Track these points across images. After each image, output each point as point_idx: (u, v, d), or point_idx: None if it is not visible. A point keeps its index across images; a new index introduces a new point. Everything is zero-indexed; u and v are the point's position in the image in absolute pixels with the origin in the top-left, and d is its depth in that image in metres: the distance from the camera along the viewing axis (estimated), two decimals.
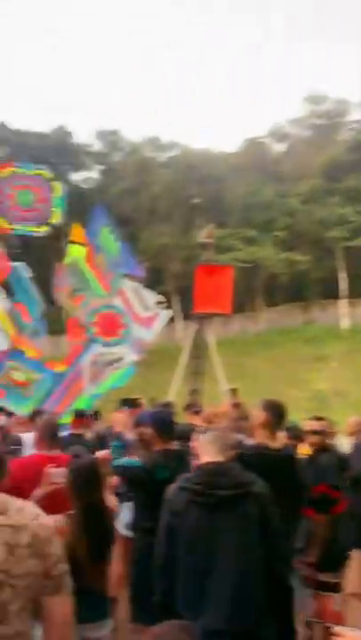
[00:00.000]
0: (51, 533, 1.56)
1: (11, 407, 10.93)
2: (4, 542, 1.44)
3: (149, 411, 6.15)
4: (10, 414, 10.05)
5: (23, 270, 12.13)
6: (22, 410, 10.89)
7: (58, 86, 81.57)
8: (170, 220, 39.02)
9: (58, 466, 3.46)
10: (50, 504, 3.17)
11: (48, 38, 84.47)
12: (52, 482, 3.35)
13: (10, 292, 12.45)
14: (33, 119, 75.73)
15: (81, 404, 10.58)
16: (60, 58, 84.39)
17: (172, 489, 2.62)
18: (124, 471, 3.77)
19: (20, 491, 3.29)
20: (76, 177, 44.39)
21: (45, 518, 1.59)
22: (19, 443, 5.10)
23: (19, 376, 11.30)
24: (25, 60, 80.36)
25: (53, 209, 12.12)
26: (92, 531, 2.91)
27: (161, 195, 39.50)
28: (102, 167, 44.63)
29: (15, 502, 1.55)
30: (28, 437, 5.03)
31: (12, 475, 3.53)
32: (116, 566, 3.31)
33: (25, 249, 35.74)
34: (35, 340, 12.09)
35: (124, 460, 4.22)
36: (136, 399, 5.20)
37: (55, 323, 26.14)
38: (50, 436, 3.68)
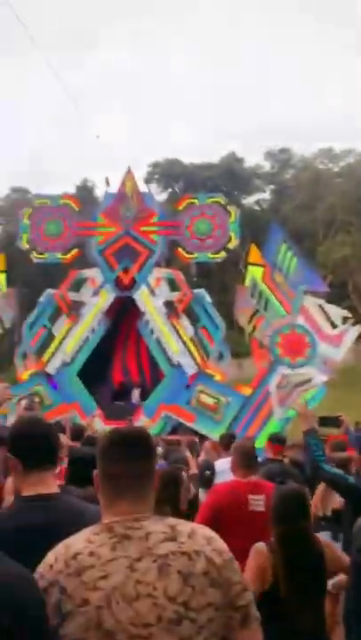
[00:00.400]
0: (227, 559, 1.40)
1: (202, 431, 11.25)
2: (177, 571, 1.32)
3: (355, 433, 5.71)
4: (203, 437, 10.32)
5: (204, 296, 12.58)
6: (213, 433, 11.13)
7: (224, 113, 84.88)
8: (349, 230, 37.36)
9: (258, 492, 3.37)
10: (249, 531, 3.08)
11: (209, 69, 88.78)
12: (252, 509, 3.26)
13: (193, 319, 13.00)
14: (203, 149, 79.73)
15: (272, 427, 10.42)
16: (224, 84, 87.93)
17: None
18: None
19: (220, 518, 3.25)
20: (249, 200, 45.28)
21: (219, 542, 1.43)
22: (212, 468, 5.13)
23: (208, 400, 11.62)
24: (190, 89, 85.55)
25: (230, 234, 12.40)
26: (297, 561, 2.71)
27: (338, 205, 38.13)
28: (273, 187, 44.88)
29: (185, 526, 1.43)
30: (222, 463, 5.03)
31: (211, 502, 3.54)
32: (329, 604, 3.03)
33: (205, 275, 37.23)
34: (220, 363, 12.36)
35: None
36: (338, 417, 4.80)
37: (238, 345, 26.59)
38: (247, 461, 3.62)
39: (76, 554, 1.34)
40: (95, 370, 13.00)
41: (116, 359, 14.49)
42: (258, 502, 3.38)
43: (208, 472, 4.89)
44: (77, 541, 1.37)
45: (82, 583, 1.30)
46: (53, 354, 12.16)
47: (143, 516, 1.41)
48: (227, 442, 5.62)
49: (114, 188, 12.78)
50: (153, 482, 1.50)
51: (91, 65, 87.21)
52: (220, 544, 1.40)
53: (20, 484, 1.84)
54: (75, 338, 12.14)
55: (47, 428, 1.92)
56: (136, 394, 13.13)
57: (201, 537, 1.39)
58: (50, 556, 1.38)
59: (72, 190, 38.74)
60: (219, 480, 4.76)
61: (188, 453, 5.01)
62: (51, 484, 1.83)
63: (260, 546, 2.75)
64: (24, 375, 12.23)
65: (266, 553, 2.71)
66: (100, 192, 40.44)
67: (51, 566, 1.35)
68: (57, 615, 1.30)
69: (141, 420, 11.60)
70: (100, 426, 11.35)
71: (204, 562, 1.34)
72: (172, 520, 1.42)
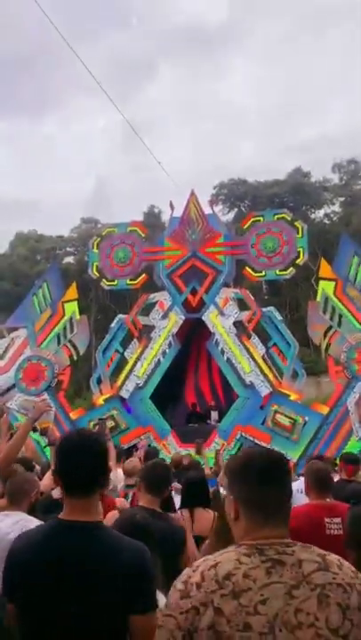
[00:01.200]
0: None
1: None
2: (336, 603, 1.30)
3: None
4: None
5: (274, 314, 12.44)
6: (290, 454, 10.87)
7: (286, 129, 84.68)
8: None
9: (334, 515, 3.28)
10: None
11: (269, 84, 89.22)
12: (330, 532, 3.17)
13: (264, 338, 12.87)
14: (268, 167, 79.70)
15: (352, 447, 10.04)
16: (284, 101, 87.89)
17: None
18: None
19: (298, 541, 3.19)
20: (318, 214, 44.59)
21: None
22: None
23: (284, 420, 11.40)
24: (250, 108, 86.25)
25: (298, 249, 12.25)
26: None
27: None
28: (343, 199, 43.92)
29: (332, 556, 1.41)
30: (295, 485, 4.91)
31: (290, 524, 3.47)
32: None
33: (276, 293, 36.81)
34: (295, 382, 12.12)
35: None
36: None
37: (313, 363, 25.94)
38: (321, 483, 3.54)
39: (229, 574, 1.33)
40: (168, 392, 13.15)
41: (189, 381, 14.59)
42: (335, 525, 3.29)
43: None
44: (225, 561, 1.36)
45: (241, 606, 1.29)
46: (126, 378, 12.44)
47: (291, 542, 1.41)
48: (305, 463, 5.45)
49: (178, 212, 13.05)
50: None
51: (151, 92, 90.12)
52: None
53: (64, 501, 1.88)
54: (146, 361, 12.36)
55: (88, 453, 1.83)
56: (213, 416, 13.12)
57: (348, 569, 1.38)
58: (193, 575, 1.37)
59: (140, 217, 39.85)
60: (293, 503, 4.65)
61: None
62: (90, 510, 1.81)
63: None
64: (99, 400, 12.57)
65: None
66: (166, 217, 41.56)
67: (198, 585, 1.34)
68: (212, 637, 1.29)
69: (216, 442, 11.56)
70: (174, 448, 11.46)
71: (357, 596, 1.33)
72: (318, 549, 1.42)
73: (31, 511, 3.25)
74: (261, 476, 1.46)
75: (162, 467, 3.49)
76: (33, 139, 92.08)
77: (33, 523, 2.81)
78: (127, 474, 5.42)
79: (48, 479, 4.41)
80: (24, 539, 1.88)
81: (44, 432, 7.39)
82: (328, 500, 3.52)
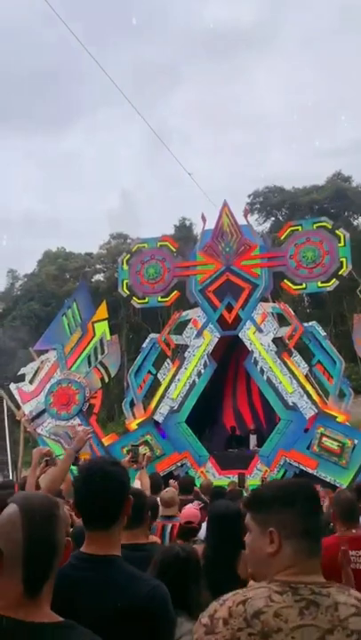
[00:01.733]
0: None
1: (327, 478, 10.74)
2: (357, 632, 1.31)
3: None
4: (328, 485, 9.83)
5: (317, 329, 12.22)
6: (340, 480, 10.57)
7: (323, 132, 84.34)
8: None
9: (357, 547, 3.24)
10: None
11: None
12: (355, 566, 3.13)
13: (307, 355, 12.64)
14: (306, 173, 79.35)
15: None
16: (318, 102, 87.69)
17: None
18: None
19: (324, 576, 3.08)
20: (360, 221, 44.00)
21: None
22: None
23: (331, 444, 11.10)
24: (282, 112, 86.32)
25: (341, 259, 12.04)
26: None
27: None
28: None
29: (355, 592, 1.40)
30: None
31: None
32: None
33: (319, 306, 36.34)
34: (341, 402, 11.83)
35: None
36: None
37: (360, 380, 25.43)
38: (348, 513, 3.55)
39: (259, 612, 1.31)
40: (205, 415, 13.03)
41: (227, 403, 14.43)
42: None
43: (332, 524, 4.65)
44: (256, 598, 1.34)
45: None
46: (160, 401, 12.39)
47: (328, 582, 1.40)
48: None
49: (211, 225, 13.05)
50: None
51: (176, 101, 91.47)
52: None
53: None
54: (181, 383, 12.29)
55: (105, 487, 1.84)
56: (253, 440, 12.91)
57: None
58: (220, 610, 1.35)
59: (171, 231, 40.16)
60: None
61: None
62: (110, 543, 1.84)
63: None
64: (133, 425, 12.55)
65: None
66: (198, 230, 41.74)
67: (225, 622, 1.32)
68: None
69: (258, 469, 11.35)
70: (214, 476, 11.29)
71: None
72: (355, 592, 1.41)
73: None
74: (306, 506, 1.46)
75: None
76: (57, 154, 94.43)
77: None
78: (165, 504, 5.33)
79: None
80: None
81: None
82: (354, 531, 3.49)
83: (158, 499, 5.51)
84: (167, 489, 6.19)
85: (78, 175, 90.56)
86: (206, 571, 2.62)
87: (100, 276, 45.41)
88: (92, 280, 42.42)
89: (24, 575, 1.33)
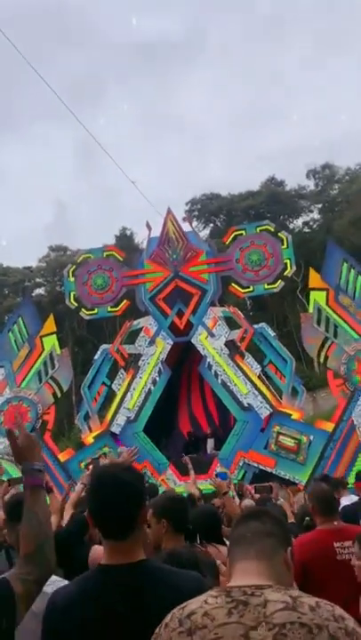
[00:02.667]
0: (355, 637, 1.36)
1: (286, 476, 10.99)
2: None
3: None
4: (288, 482, 10.08)
5: (266, 330, 12.53)
6: (299, 477, 10.85)
7: (254, 138, 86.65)
8: None
9: (344, 539, 3.27)
10: (340, 583, 3.02)
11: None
12: (341, 557, 3.17)
13: (258, 356, 12.92)
14: (240, 179, 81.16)
15: None
16: (246, 109, 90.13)
17: None
18: None
19: (307, 572, 3.16)
20: (297, 223, 45.37)
21: (350, 623, 1.37)
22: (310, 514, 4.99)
23: (287, 441, 11.39)
24: (212, 120, 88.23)
25: (285, 261, 12.42)
26: None
27: None
28: (321, 206, 44.83)
29: (310, 599, 1.37)
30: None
31: (296, 556, 3.44)
32: None
33: (261, 308, 37.11)
34: (295, 400, 12.16)
35: None
36: None
37: (308, 378, 26.09)
38: (327, 505, 3.53)
39: (191, 613, 1.38)
40: (161, 423, 13.05)
41: (182, 409, 14.51)
42: (346, 550, 3.28)
43: (307, 519, 4.77)
44: (194, 602, 1.41)
45: None
46: (116, 412, 12.32)
47: (267, 584, 1.41)
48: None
49: (156, 232, 13.15)
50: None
51: (109, 111, 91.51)
52: (351, 624, 1.34)
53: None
54: (136, 392, 12.28)
55: (121, 495, 1.76)
56: (210, 443, 13.04)
57: (327, 612, 1.35)
58: (168, 616, 1.43)
59: (111, 241, 40.03)
60: None
61: (282, 501, 4.91)
62: (134, 550, 1.76)
63: None
64: (89, 438, 12.41)
65: None
66: (139, 238, 41.82)
67: (166, 625, 1.40)
68: None
69: (217, 471, 11.47)
70: (174, 482, 11.33)
71: (327, 637, 1.29)
72: (296, 592, 1.40)
73: None
74: (248, 515, 1.56)
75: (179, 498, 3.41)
76: None
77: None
78: None
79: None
80: (62, 594, 1.79)
81: None
82: (336, 522, 3.49)
83: None
84: None
85: (11, 188, 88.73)
86: None
87: (40, 290, 44.62)
88: (33, 294, 41.59)
89: None
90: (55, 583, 2.45)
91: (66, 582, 2.65)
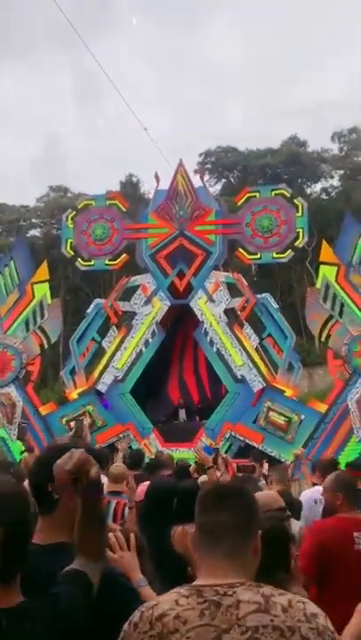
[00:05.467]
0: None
1: (272, 453, 11.20)
2: None
3: None
4: (273, 460, 10.27)
5: (269, 301, 12.52)
6: (285, 455, 11.05)
7: (280, 93, 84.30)
8: None
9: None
10: (356, 572, 3.14)
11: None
12: (358, 547, 3.26)
13: (258, 327, 12.96)
14: (260, 134, 79.44)
15: (352, 449, 10.25)
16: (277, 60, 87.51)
17: None
18: None
19: (323, 559, 3.26)
20: (315, 188, 44.68)
21: (321, 620, 1.42)
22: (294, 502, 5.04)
23: (278, 418, 11.56)
24: (239, 69, 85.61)
25: (297, 230, 12.31)
26: None
27: None
28: (343, 172, 44.06)
29: (282, 598, 1.42)
30: (306, 495, 5.01)
31: (313, 542, 3.55)
32: None
33: (266, 275, 36.98)
34: (290, 376, 12.28)
35: None
36: None
37: (306, 353, 26.22)
38: (354, 495, 3.60)
39: (162, 615, 1.40)
40: (150, 386, 13.20)
41: (173, 374, 14.64)
42: None
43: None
44: (165, 602, 1.43)
45: None
46: (104, 370, 12.44)
47: (240, 582, 1.44)
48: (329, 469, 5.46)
49: (164, 185, 12.97)
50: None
51: (123, 47, 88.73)
52: (323, 622, 1.40)
53: None
54: (127, 352, 12.37)
55: (33, 472, 1.94)
56: (182, 414, 13.23)
57: (299, 611, 1.40)
58: (136, 615, 1.45)
59: (115, 187, 39.48)
60: (307, 514, 4.75)
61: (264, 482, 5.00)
62: (42, 530, 1.82)
63: None
64: (73, 394, 12.57)
65: None
66: (145, 188, 41.26)
67: (136, 626, 1.42)
68: None
69: (203, 442, 11.67)
70: (157, 448, 11.54)
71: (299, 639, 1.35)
72: (268, 590, 1.43)
73: None
74: (215, 502, 1.54)
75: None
76: None
77: None
78: (113, 479, 5.40)
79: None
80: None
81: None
82: (355, 512, 3.59)
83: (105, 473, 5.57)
84: (117, 464, 6.28)
85: (9, 119, 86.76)
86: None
87: (36, 232, 44.21)
88: (28, 235, 41.28)
89: None
90: None
91: None
